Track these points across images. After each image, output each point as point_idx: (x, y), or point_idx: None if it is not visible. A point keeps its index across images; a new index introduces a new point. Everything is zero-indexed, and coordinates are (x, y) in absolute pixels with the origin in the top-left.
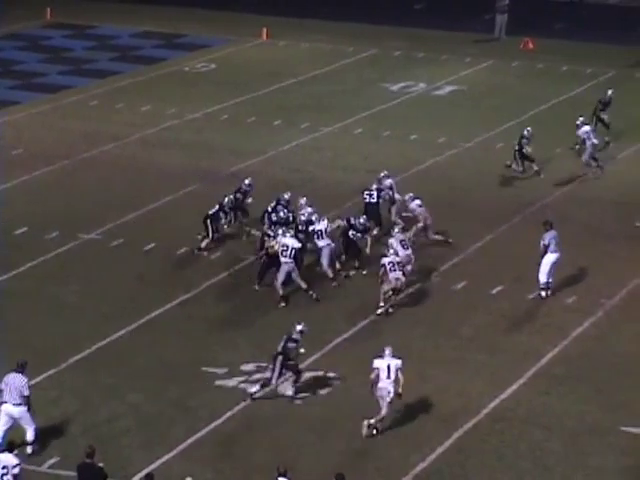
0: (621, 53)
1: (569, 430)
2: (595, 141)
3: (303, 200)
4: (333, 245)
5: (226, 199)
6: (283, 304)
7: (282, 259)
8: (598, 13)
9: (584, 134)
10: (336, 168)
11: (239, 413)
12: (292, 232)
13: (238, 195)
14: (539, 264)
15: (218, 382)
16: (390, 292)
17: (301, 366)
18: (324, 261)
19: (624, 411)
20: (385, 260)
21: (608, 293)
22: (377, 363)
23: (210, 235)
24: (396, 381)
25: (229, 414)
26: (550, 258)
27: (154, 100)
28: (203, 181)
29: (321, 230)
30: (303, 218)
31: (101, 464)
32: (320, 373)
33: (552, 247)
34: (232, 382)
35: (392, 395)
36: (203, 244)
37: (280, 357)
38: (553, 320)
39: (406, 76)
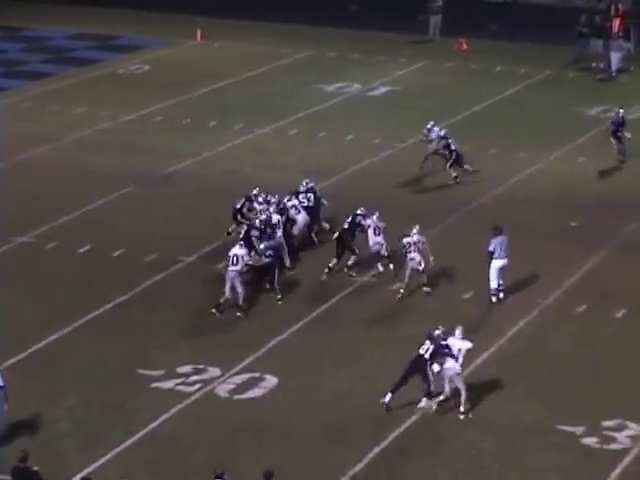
0: (555, 53)
1: (505, 429)
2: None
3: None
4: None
5: (254, 191)
6: (215, 312)
7: (230, 267)
8: (532, 14)
9: (436, 135)
10: (272, 169)
11: (176, 415)
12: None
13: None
14: (488, 270)
15: (154, 384)
16: (408, 274)
17: (237, 368)
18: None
19: (560, 410)
20: (405, 240)
21: (543, 293)
22: (452, 343)
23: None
24: (462, 363)
25: (166, 416)
26: (497, 264)
27: (88, 102)
28: (138, 183)
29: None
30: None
31: (36, 468)
32: (256, 374)
33: (497, 253)
34: (168, 384)
35: (459, 376)
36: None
37: (428, 363)
38: (488, 319)
39: (341, 77)
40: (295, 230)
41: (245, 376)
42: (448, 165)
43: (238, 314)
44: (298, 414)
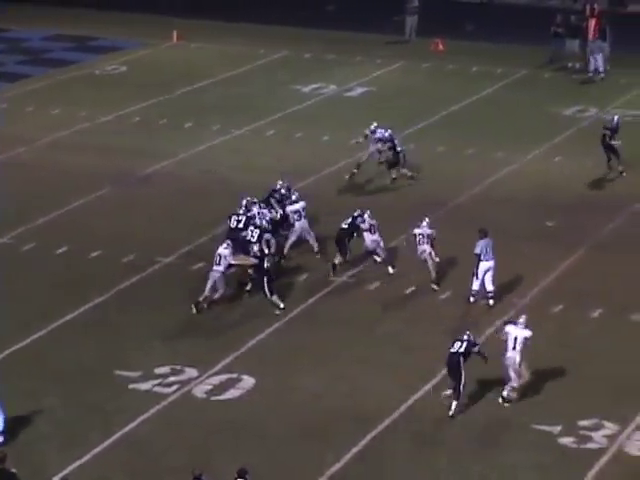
0: (531, 53)
1: (484, 428)
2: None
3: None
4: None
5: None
6: (193, 309)
7: (214, 267)
8: (508, 14)
9: (381, 136)
10: (249, 170)
11: (153, 416)
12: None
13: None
14: (474, 271)
15: (132, 385)
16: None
17: (215, 369)
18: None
19: (537, 409)
20: (416, 231)
21: (520, 292)
22: (509, 329)
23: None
24: (522, 350)
25: (143, 417)
26: (483, 266)
27: (65, 103)
28: (115, 184)
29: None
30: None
31: (14, 470)
32: (234, 375)
33: (484, 255)
34: (146, 385)
35: (518, 363)
36: None
37: (462, 360)
38: (466, 319)
39: (317, 78)
40: (292, 236)
41: (222, 377)
42: (401, 167)
43: (204, 305)
44: (276, 414)
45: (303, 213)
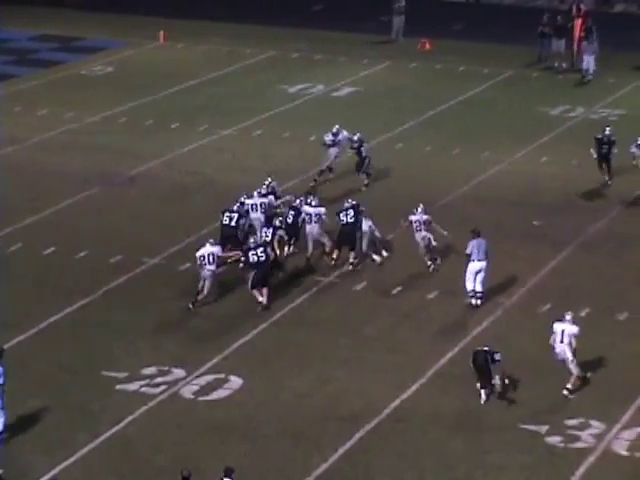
0: (518, 53)
1: (469, 428)
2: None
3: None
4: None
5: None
6: (191, 306)
7: (206, 266)
8: (494, 14)
9: (344, 139)
10: (236, 170)
11: (141, 417)
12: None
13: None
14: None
15: (119, 386)
16: (424, 251)
17: (202, 369)
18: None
19: (523, 409)
20: (412, 217)
21: (507, 292)
22: (555, 327)
23: None
24: (570, 345)
25: (130, 418)
26: (473, 266)
27: (52, 103)
28: (102, 184)
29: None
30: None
31: (0, 471)
32: (221, 375)
33: (475, 255)
34: (133, 386)
35: (570, 358)
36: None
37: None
38: (453, 319)
39: (304, 78)
40: (309, 242)
41: (210, 377)
42: (360, 172)
43: (190, 306)
44: (263, 415)
45: (314, 218)
